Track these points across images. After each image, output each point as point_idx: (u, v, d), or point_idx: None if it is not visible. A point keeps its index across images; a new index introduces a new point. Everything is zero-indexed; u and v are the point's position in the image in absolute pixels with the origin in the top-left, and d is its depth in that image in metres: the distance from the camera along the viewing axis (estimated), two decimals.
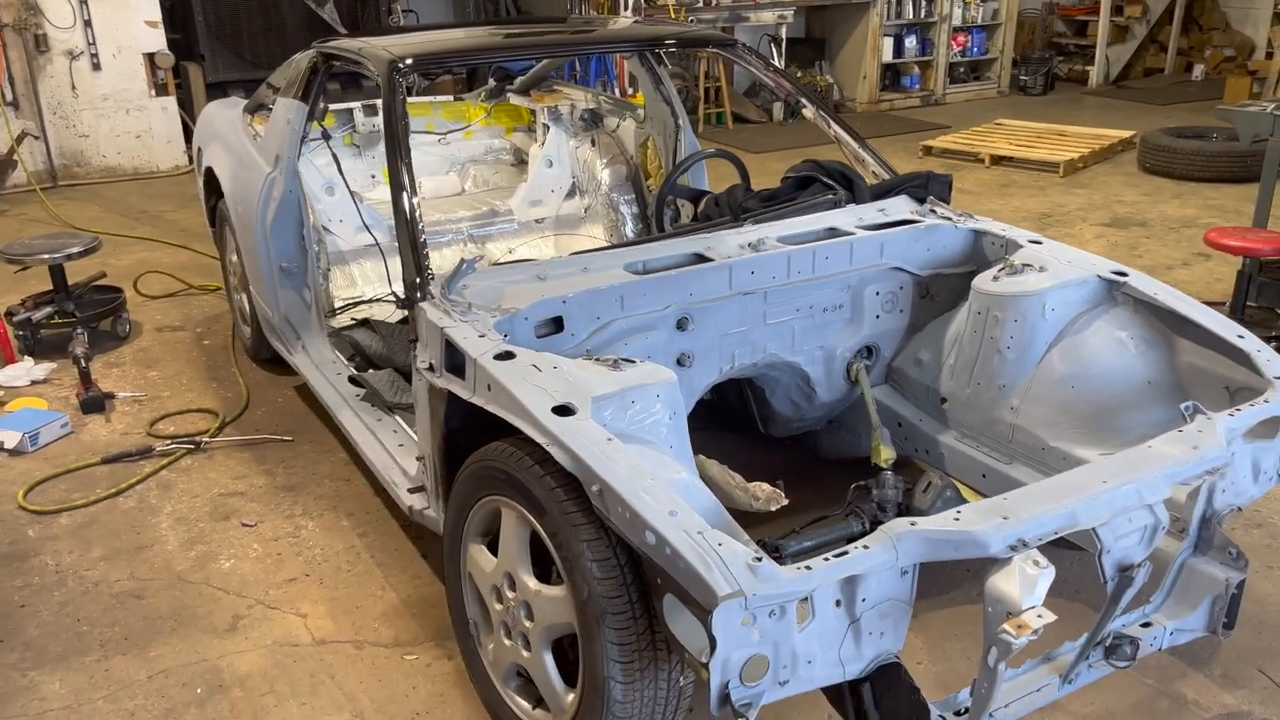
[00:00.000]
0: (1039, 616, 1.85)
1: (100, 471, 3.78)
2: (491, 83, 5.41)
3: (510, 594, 2.31)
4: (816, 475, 3.49)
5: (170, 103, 8.55)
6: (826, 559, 1.87)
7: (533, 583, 2.24)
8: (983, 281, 2.94)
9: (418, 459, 2.88)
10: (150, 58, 8.34)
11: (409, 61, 3.23)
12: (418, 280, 2.75)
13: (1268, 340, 2.71)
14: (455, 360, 2.47)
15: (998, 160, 8.37)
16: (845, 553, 1.88)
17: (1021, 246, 3.07)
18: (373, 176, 4.98)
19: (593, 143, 4.92)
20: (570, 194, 5.01)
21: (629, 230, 4.84)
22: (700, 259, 2.91)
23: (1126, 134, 8.76)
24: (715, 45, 3.84)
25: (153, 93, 8.46)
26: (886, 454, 3.03)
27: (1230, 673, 2.67)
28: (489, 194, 5.11)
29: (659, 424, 2.27)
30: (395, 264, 4.47)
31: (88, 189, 8.17)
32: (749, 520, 2.56)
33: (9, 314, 4.80)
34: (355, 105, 4.88)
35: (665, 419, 2.28)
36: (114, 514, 3.51)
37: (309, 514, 3.48)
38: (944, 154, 8.67)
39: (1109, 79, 12.33)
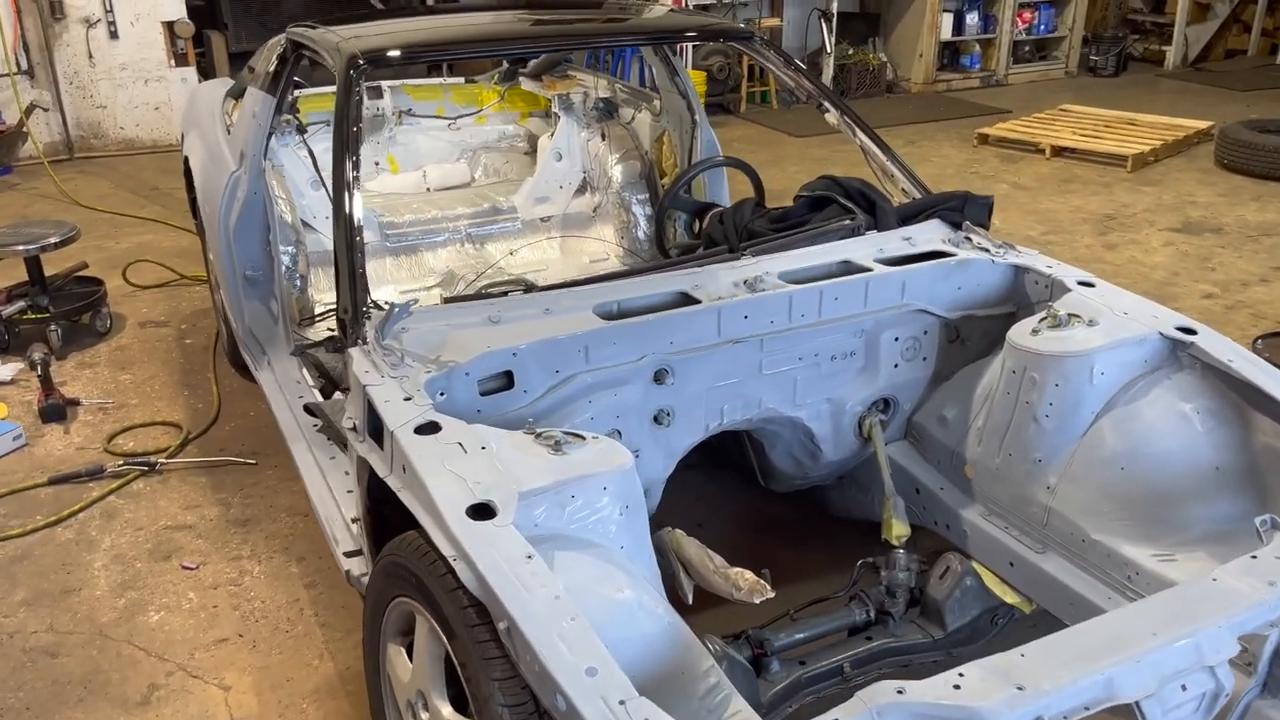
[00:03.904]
0: None
1: (45, 494, 3.48)
2: (505, 65, 5.01)
3: (424, 715, 1.94)
4: (825, 532, 3.08)
5: (190, 73, 8.24)
6: None
7: (446, 709, 1.87)
8: (1019, 335, 2.47)
9: (353, 519, 2.52)
10: (170, 26, 8.03)
11: (370, 56, 2.84)
12: (351, 317, 2.37)
13: None
14: (377, 425, 2.09)
15: (1059, 151, 7.75)
16: None
17: (1069, 290, 2.61)
18: (376, 163, 4.62)
19: (603, 135, 4.50)
20: (580, 190, 4.59)
21: (641, 233, 4.42)
22: (686, 299, 2.50)
23: (1203, 125, 8.07)
24: (731, 38, 3.41)
25: (172, 63, 8.16)
26: (899, 529, 2.59)
27: None
28: (495, 187, 4.71)
29: (605, 521, 1.88)
30: (377, 265, 4.13)
31: (104, 162, 7.92)
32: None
33: None
34: None
35: (614, 515, 1.89)
36: (49, 547, 3.21)
37: (257, 555, 3.14)
38: (1001, 143, 8.06)
39: (1187, 60, 11.54)
